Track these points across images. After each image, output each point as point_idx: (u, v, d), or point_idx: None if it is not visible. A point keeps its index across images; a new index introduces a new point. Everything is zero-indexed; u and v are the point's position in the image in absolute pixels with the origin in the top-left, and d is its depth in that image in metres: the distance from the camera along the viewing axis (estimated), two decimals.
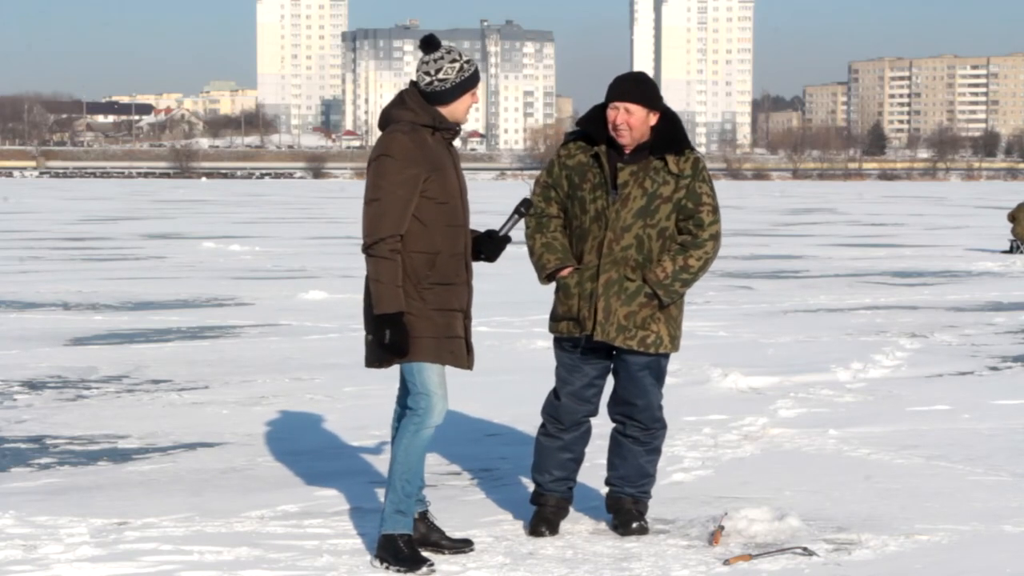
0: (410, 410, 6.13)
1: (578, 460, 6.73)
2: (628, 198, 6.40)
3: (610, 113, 6.43)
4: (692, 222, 6.48)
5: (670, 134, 6.47)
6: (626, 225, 6.40)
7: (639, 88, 6.44)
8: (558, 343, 6.64)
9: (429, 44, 6.12)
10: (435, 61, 6.10)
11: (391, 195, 5.95)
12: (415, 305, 6.03)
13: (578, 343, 6.54)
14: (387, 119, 6.14)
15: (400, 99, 6.15)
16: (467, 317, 6.20)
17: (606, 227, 6.42)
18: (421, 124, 6.07)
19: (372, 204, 5.98)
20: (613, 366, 6.60)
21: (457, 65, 6.11)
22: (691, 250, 6.45)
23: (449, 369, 6.17)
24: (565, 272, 6.51)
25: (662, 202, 6.43)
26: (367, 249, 5.97)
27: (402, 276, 6.01)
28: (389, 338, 5.94)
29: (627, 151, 6.45)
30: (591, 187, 6.46)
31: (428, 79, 6.09)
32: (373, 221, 5.97)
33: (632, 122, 6.39)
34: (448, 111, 6.13)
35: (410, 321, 6.01)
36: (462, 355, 6.15)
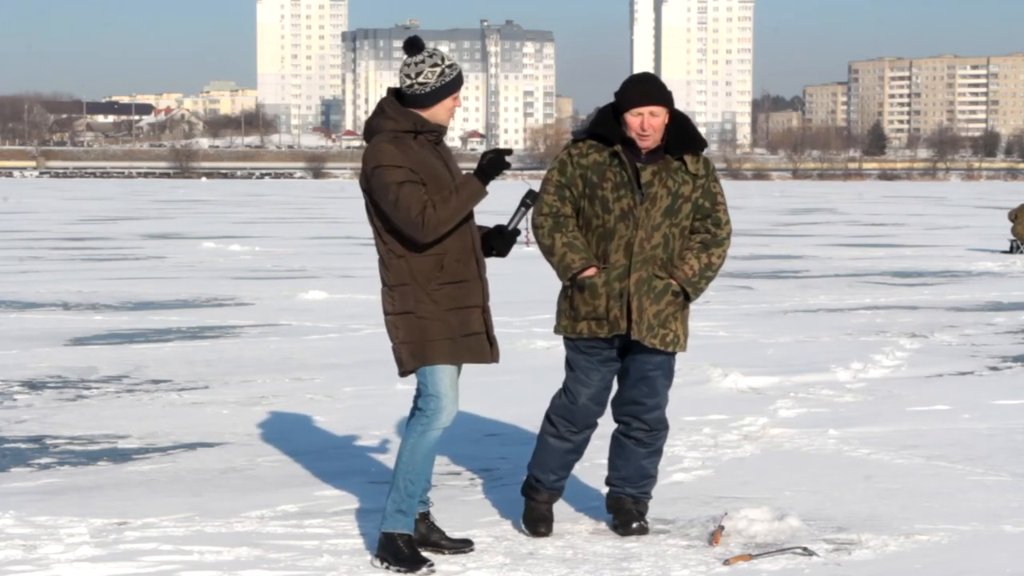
0: (419, 411, 6.14)
1: (579, 459, 6.74)
2: (656, 197, 6.41)
3: (634, 120, 6.37)
4: (710, 221, 6.52)
5: (685, 134, 6.48)
6: (656, 224, 6.41)
7: (661, 90, 6.44)
8: (574, 345, 6.59)
9: (413, 46, 6.13)
10: (416, 64, 6.10)
11: (404, 188, 5.96)
12: (428, 308, 6.03)
13: (600, 343, 6.50)
14: (370, 130, 6.18)
15: (380, 109, 6.17)
16: (485, 311, 6.20)
17: (636, 226, 6.40)
18: (402, 131, 6.07)
19: (396, 204, 5.97)
20: (623, 367, 6.60)
21: (438, 70, 6.10)
22: (712, 248, 6.50)
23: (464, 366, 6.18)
24: (590, 272, 6.50)
25: (683, 202, 6.46)
26: (421, 230, 5.95)
27: (411, 279, 6.02)
28: (495, 155, 6.11)
29: (644, 152, 6.45)
30: (613, 186, 6.44)
31: (408, 82, 6.10)
32: (406, 213, 5.95)
33: (656, 124, 6.39)
34: (428, 114, 6.13)
35: (423, 324, 6.02)
36: (483, 350, 6.15)
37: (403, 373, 6.15)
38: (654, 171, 6.43)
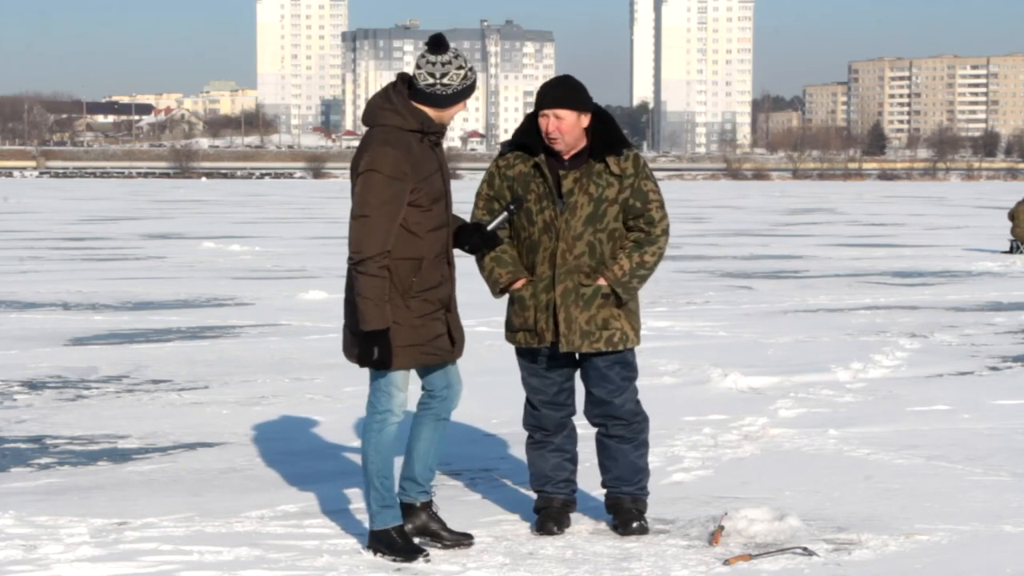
0: (370, 406, 6.16)
1: (573, 460, 6.72)
2: (576, 206, 6.41)
3: (541, 122, 6.40)
4: (643, 220, 6.50)
5: (606, 136, 6.45)
6: (577, 234, 6.42)
7: (566, 92, 6.40)
8: (520, 353, 6.64)
9: (439, 45, 6.08)
10: (443, 64, 6.05)
11: (379, 211, 5.94)
12: (400, 314, 6.03)
13: (542, 350, 6.54)
14: (372, 117, 6.10)
15: (386, 95, 6.11)
16: (449, 310, 6.20)
17: (557, 237, 6.42)
18: (408, 129, 6.04)
19: (360, 220, 5.97)
20: (581, 369, 6.61)
21: (462, 73, 6.09)
22: (646, 247, 6.49)
23: None
24: (518, 284, 6.51)
25: (608, 205, 6.45)
26: (355, 265, 5.98)
27: (389, 280, 6.02)
28: (377, 354, 5.97)
29: (565, 157, 6.44)
30: (536, 198, 6.45)
31: (431, 81, 6.05)
32: (361, 238, 5.96)
33: (563, 127, 6.37)
34: (438, 115, 6.11)
35: (393, 330, 6.02)
36: (446, 350, 6.17)
37: (357, 361, 6.14)
38: (575, 178, 6.42)
